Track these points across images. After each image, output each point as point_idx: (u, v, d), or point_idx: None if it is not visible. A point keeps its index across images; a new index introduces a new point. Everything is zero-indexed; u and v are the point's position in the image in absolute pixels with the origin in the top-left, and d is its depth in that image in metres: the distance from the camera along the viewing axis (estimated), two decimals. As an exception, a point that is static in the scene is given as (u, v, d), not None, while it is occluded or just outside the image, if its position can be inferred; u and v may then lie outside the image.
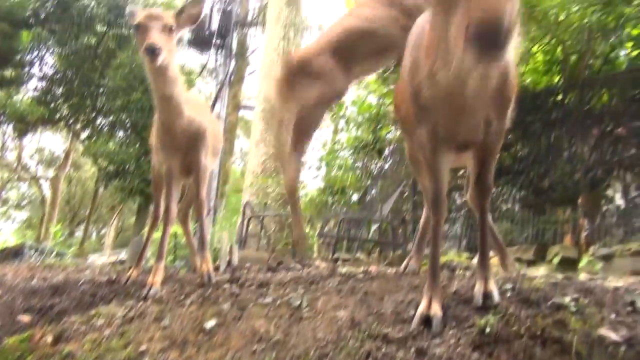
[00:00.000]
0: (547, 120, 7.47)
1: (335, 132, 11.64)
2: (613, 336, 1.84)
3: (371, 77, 10.39)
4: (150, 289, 2.83)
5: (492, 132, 2.11)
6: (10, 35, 14.82)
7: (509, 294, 2.13)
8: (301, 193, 11.27)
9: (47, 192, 25.10)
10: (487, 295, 2.09)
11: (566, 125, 7.54)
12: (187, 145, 3.08)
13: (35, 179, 26.13)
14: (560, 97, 7.85)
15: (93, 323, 2.36)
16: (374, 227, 7.70)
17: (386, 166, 11.00)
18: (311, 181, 12.17)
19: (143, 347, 2.07)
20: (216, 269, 4.25)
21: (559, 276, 2.59)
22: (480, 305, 2.06)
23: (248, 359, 1.91)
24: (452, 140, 2.18)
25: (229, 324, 2.18)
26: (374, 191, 10.50)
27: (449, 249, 7.46)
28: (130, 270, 3.55)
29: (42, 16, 15.27)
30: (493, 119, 2.08)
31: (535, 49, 8.17)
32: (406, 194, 8.49)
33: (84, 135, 18.09)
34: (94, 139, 16.72)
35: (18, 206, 29.10)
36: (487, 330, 1.88)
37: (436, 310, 2.04)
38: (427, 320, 2.02)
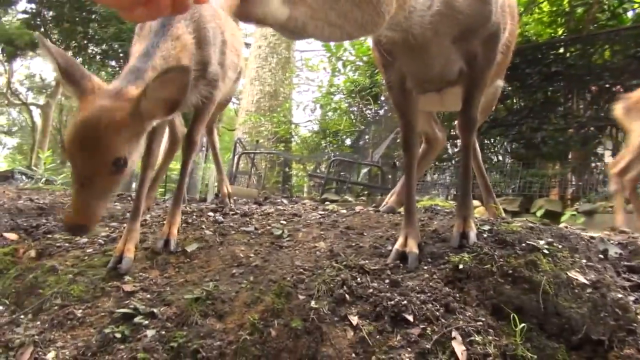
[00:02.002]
0: (546, 74, 7.36)
1: (332, 74, 11.43)
2: (581, 278, 1.91)
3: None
4: (168, 240, 2.29)
5: (477, 64, 2.06)
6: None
7: (485, 235, 2.17)
8: (294, 134, 11.26)
9: (38, 119, 24.77)
10: (464, 235, 2.13)
11: (565, 79, 7.45)
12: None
13: (25, 106, 25.70)
14: (561, 50, 7.71)
15: (76, 241, 2.40)
16: (364, 170, 7.73)
17: (381, 111, 10.91)
18: (305, 123, 12.09)
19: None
20: (203, 200, 4.29)
21: (536, 222, 2.63)
22: (456, 245, 2.11)
23: (227, 281, 1.96)
24: (420, 85, 2.16)
25: (210, 249, 2.22)
26: (367, 136, 10.47)
27: (437, 196, 7.55)
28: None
29: None
30: (476, 50, 2.02)
31: (541, -1, 7.94)
32: (398, 140, 8.47)
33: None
34: (85, 67, 16.28)
35: (8, 132, 28.79)
36: (461, 266, 1.93)
37: (412, 247, 2.08)
38: (403, 257, 2.07)
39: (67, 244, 2.38)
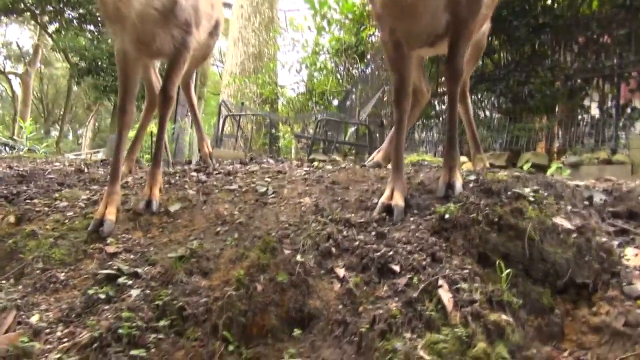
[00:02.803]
0: (534, 26, 7.24)
1: (318, 33, 11.18)
2: (566, 224, 1.91)
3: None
4: (150, 201, 2.25)
5: (459, 14, 2.04)
6: None
7: (471, 185, 2.15)
8: (280, 96, 11.09)
9: (18, 89, 24.17)
10: (450, 186, 2.12)
11: (552, 31, 7.34)
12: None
13: (4, 75, 24.99)
14: (549, 1, 7.57)
15: (56, 205, 2.35)
16: (352, 129, 7.67)
17: (367, 70, 10.76)
18: (291, 84, 11.92)
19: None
20: (188, 163, 4.23)
21: (522, 171, 2.63)
22: (442, 195, 2.10)
23: (211, 239, 1.93)
24: (411, 40, 2.19)
25: (193, 208, 2.19)
26: (353, 95, 10.34)
27: (425, 153, 7.53)
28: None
29: None
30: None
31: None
32: (385, 98, 8.38)
33: (52, 28, 17.03)
34: (62, 33, 15.74)
35: (-12, 103, 28.11)
36: (446, 216, 1.92)
37: (398, 200, 2.07)
38: (388, 210, 2.05)
39: (46, 209, 2.33)
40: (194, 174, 2.71)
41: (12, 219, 2.26)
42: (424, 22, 2.09)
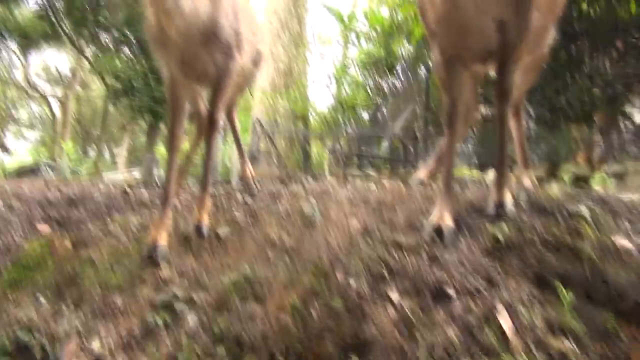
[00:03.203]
0: (570, 33, 7.09)
1: (346, 46, 11.24)
2: (627, 244, 1.84)
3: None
4: (199, 226, 2.30)
5: (508, 34, 2.02)
6: (6, -56, 14.05)
7: (522, 203, 2.11)
8: (311, 111, 11.17)
9: (58, 111, 25.08)
10: (500, 204, 2.07)
11: (589, 37, 7.17)
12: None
13: (44, 98, 26.01)
14: (585, 6, 7.40)
15: (110, 230, 2.41)
16: (385, 144, 7.64)
17: (398, 83, 10.74)
18: (321, 99, 11.98)
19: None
20: (228, 183, 4.29)
21: (575, 188, 2.56)
22: (493, 214, 2.06)
23: (262, 264, 1.95)
24: (463, 57, 2.17)
25: (242, 231, 2.21)
26: (384, 109, 10.33)
27: (460, 166, 7.43)
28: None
29: None
30: (508, 20, 1.99)
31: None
32: (418, 112, 8.33)
33: (88, 52, 17.67)
34: (99, 56, 16.31)
35: (30, 125, 29.24)
36: (500, 237, 1.89)
37: (447, 221, 2.04)
38: (438, 231, 2.03)
39: (101, 234, 2.39)
40: (239, 195, 2.75)
41: (69, 245, 2.33)
42: (477, 39, 2.09)
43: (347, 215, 2.25)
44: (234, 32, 2.35)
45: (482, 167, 7.02)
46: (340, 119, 10.87)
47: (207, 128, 2.44)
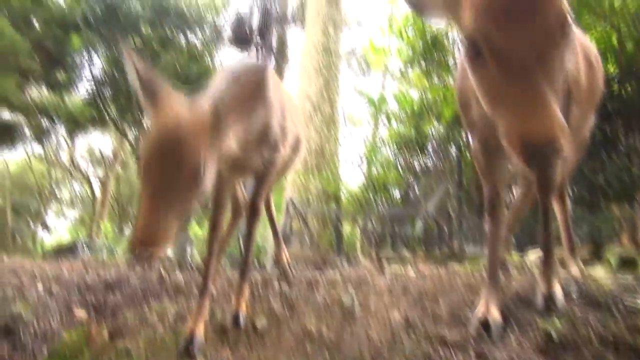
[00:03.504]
0: (603, 113, 7.10)
1: (376, 127, 11.52)
2: (693, 343, 1.70)
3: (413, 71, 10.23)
4: (237, 316, 2.23)
5: None
6: (61, 39, 15.43)
7: (574, 295, 2.00)
8: (343, 190, 11.27)
9: (98, 191, 26.06)
10: (550, 297, 1.97)
11: (622, 116, 7.15)
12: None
13: (86, 178, 27.21)
14: (616, 87, 7.46)
15: (147, 319, 2.39)
16: (420, 224, 7.55)
17: (429, 162, 10.81)
18: (352, 178, 12.13)
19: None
20: (262, 267, 4.27)
21: (627, 277, 2.42)
22: (543, 309, 1.95)
23: (301, 359, 1.87)
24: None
25: (280, 323, 2.16)
26: (416, 188, 10.33)
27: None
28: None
29: (91, 20, 15.80)
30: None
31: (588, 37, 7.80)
32: (451, 191, 8.29)
33: (131, 135, 18.67)
34: (141, 138, 17.18)
35: (71, 204, 30.38)
36: (552, 333, 1.78)
37: (495, 315, 1.94)
38: (485, 325, 1.93)
39: (137, 323, 2.37)
40: (276, 283, 2.71)
41: (106, 334, 2.31)
42: None
43: (388, 306, 2.18)
44: (280, 130, 2.37)
45: (521, 248, 6.80)
46: (372, 198, 10.90)
47: (249, 216, 2.43)
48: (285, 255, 3.20)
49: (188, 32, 16.92)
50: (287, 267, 3.12)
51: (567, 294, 2.02)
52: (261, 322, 2.18)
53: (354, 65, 21.34)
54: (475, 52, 1.38)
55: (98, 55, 17.09)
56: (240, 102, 1.81)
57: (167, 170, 1.57)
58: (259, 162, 2.32)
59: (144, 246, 1.52)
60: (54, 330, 3.13)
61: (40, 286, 3.54)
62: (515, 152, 1.40)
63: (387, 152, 11.74)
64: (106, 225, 9.13)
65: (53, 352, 2.31)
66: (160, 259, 4.76)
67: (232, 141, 1.91)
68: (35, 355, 2.93)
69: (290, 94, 2.71)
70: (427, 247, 7.11)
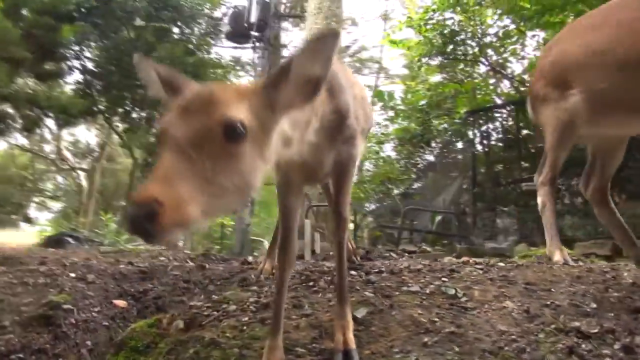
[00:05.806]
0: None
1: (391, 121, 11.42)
2: None
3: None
4: (348, 351, 1.70)
5: None
6: (53, 29, 14.90)
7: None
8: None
9: (83, 183, 25.47)
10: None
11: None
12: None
13: (71, 170, 26.55)
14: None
15: (225, 308, 2.18)
16: (439, 218, 7.45)
17: (432, 158, 10.77)
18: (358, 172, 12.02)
19: (293, 336, 1.87)
20: (301, 257, 4.07)
21: None
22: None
23: (422, 351, 1.69)
24: None
25: (381, 313, 1.97)
26: (422, 183, 10.25)
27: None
28: (262, 264, 2.99)
29: (85, 10, 15.30)
30: None
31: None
32: (464, 186, 8.20)
33: (120, 127, 18.22)
34: (133, 132, 16.81)
35: (54, 197, 29.59)
36: None
37: None
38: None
39: (215, 313, 2.15)
40: (354, 272, 2.51)
41: (181, 324, 2.09)
42: None
43: (497, 296, 2.01)
44: (355, 120, 1.91)
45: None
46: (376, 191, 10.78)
47: (336, 226, 1.92)
48: (352, 242, 3.00)
49: (183, 25, 16.52)
50: (353, 255, 2.91)
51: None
52: (361, 313, 1.98)
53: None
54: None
55: (91, 47, 16.62)
56: (302, 77, 1.37)
57: (196, 123, 1.21)
58: (336, 161, 1.86)
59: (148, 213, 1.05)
60: (95, 320, 2.90)
61: (72, 275, 3.29)
62: None
63: (391, 148, 11.67)
64: (108, 217, 8.80)
65: (121, 343, 2.08)
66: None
67: (294, 129, 1.49)
68: (78, 345, 2.70)
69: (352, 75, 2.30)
70: (447, 241, 7.00)
